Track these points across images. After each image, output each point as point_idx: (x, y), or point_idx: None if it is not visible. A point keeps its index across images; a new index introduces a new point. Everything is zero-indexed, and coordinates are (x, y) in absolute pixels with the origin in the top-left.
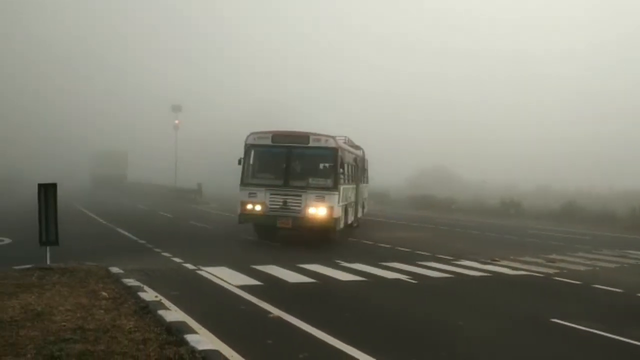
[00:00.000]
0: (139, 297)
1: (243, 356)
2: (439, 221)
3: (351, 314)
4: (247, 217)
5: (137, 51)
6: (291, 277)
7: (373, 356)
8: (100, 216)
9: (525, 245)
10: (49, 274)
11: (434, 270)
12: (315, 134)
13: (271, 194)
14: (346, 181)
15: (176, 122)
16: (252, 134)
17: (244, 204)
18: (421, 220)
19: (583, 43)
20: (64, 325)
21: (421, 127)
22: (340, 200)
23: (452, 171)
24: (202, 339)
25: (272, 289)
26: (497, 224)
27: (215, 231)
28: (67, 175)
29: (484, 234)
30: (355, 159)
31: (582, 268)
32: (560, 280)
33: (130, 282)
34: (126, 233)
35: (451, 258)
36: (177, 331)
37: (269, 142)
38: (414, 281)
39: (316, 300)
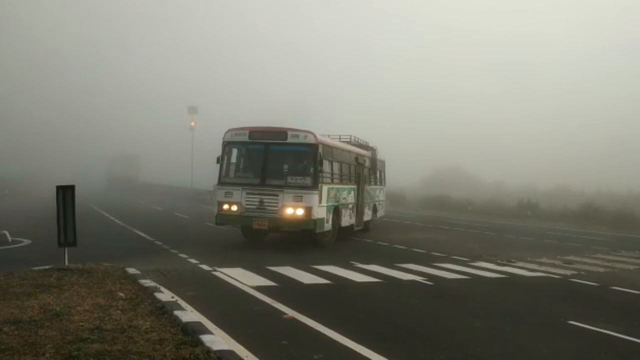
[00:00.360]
0: (155, 298)
1: (258, 357)
2: (454, 222)
3: (366, 315)
4: (223, 218)
5: (153, 54)
6: (306, 278)
7: (388, 357)
8: (116, 217)
9: (543, 247)
10: (67, 274)
11: (449, 271)
12: (293, 130)
13: (247, 194)
14: (339, 181)
15: (192, 123)
16: (229, 130)
17: (220, 204)
18: (437, 221)
19: (603, 46)
20: (82, 325)
21: (437, 127)
22: (324, 201)
23: (469, 172)
24: (218, 339)
25: (286, 290)
26: (514, 225)
27: (231, 233)
28: (84, 177)
29: (500, 235)
30: (356, 158)
31: (600, 270)
32: (578, 282)
33: (147, 282)
34: (142, 234)
35: (467, 259)
36: (192, 331)
37: (246, 138)
38: (429, 283)
39: (331, 302)
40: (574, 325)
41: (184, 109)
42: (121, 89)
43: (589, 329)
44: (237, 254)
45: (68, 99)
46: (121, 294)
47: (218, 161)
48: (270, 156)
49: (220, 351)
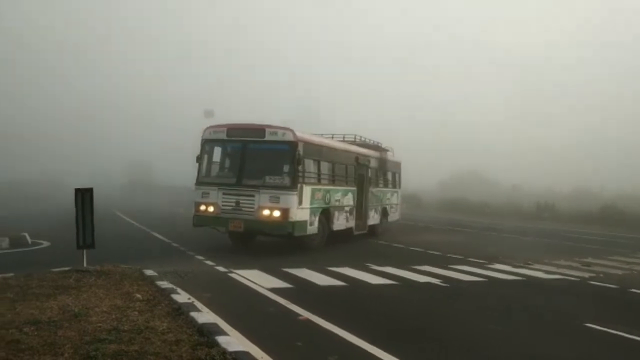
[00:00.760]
0: (172, 299)
1: (273, 358)
2: (471, 225)
3: (381, 316)
4: (200, 220)
5: (170, 58)
6: (321, 280)
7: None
8: (134, 219)
9: (560, 249)
10: (85, 276)
11: (465, 273)
12: (272, 127)
13: (223, 194)
14: (330, 181)
15: None
16: (208, 127)
17: (197, 204)
18: (453, 223)
19: (620, 41)
20: (100, 326)
21: (454, 130)
22: (306, 202)
23: (486, 175)
24: (233, 340)
25: (302, 291)
26: (532, 227)
27: None
28: (102, 180)
29: (517, 237)
30: (356, 158)
31: (618, 272)
32: (596, 284)
33: (164, 284)
34: (159, 236)
35: (484, 261)
36: (208, 332)
37: (224, 136)
38: (445, 285)
39: (346, 303)
40: (591, 328)
41: (200, 112)
42: (138, 92)
43: (606, 332)
44: (253, 256)
45: (85, 102)
46: (138, 296)
47: (197, 160)
48: (248, 155)
49: (235, 352)
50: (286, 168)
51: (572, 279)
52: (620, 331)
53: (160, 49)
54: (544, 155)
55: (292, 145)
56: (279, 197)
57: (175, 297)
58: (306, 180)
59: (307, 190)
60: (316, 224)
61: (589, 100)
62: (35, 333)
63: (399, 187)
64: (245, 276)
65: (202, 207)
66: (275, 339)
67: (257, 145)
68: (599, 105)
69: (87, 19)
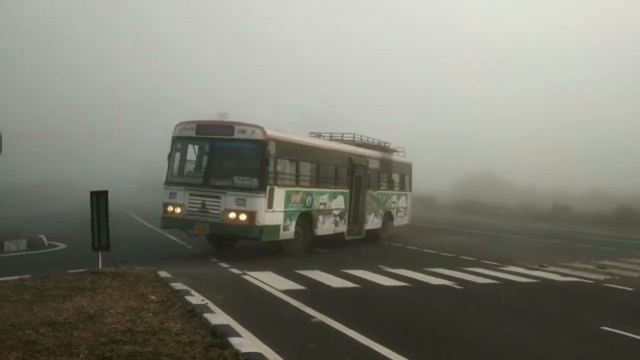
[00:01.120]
0: (186, 301)
1: (285, 359)
2: (486, 227)
3: (394, 319)
4: (168, 221)
5: (182, 59)
6: (335, 282)
7: None
8: (148, 221)
9: (575, 251)
10: (100, 277)
11: (479, 276)
12: (241, 124)
13: (190, 195)
14: (313, 183)
15: None
16: (178, 124)
17: (165, 205)
18: (467, 225)
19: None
20: (115, 327)
21: (469, 131)
22: (278, 205)
23: (500, 176)
24: (246, 342)
25: (315, 293)
26: (547, 229)
27: None
28: (115, 181)
29: (532, 239)
30: (350, 159)
31: (635, 274)
32: (612, 287)
33: (178, 286)
34: (173, 237)
35: (497, 264)
36: (221, 334)
37: (193, 133)
38: (459, 287)
39: (359, 305)
40: (606, 330)
41: (214, 114)
42: (150, 92)
43: (621, 335)
44: (266, 258)
45: (97, 102)
46: (153, 297)
47: (168, 158)
48: (216, 153)
49: (248, 353)
50: (255, 168)
51: (588, 281)
52: (636, 334)
53: (173, 47)
54: (559, 155)
55: (261, 144)
56: (245, 200)
57: (189, 298)
58: (279, 181)
59: (279, 192)
60: (292, 228)
61: (605, 98)
62: (52, 334)
63: (409, 189)
64: (259, 278)
65: (170, 208)
66: (288, 341)
67: (226, 144)
68: (616, 103)
69: (98, 18)
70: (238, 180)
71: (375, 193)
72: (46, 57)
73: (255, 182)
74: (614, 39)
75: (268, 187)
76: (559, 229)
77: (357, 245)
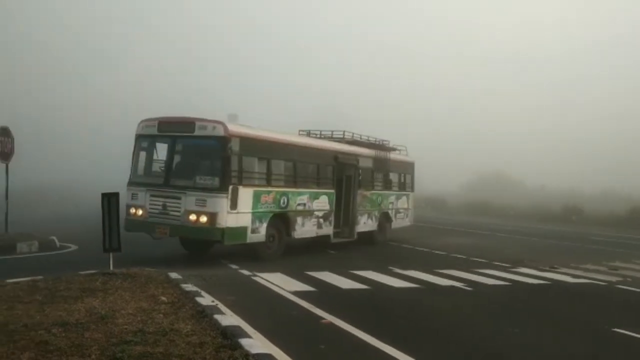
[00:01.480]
0: (196, 302)
1: None
2: (496, 228)
3: (404, 320)
4: (130, 224)
5: (193, 60)
6: (344, 283)
7: None
8: None
9: (587, 252)
10: (112, 279)
11: (490, 277)
12: (202, 120)
13: (151, 196)
14: (289, 183)
15: None
16: (142, 121)
17: (128, 207)
18: (478, 226)
19: None
20: (126, 328)
21: (479, 131)
22: (244, 206)
23: (511, 176)
24: (256, 343)
25: (325, 295)
26: (558, 230)
27: None
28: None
29: (543, 240)
30: (335, 157)
31: None
32: (624, 289)
33: (188, 287)
34: None
35: (508, 265)
36: (232, 335)
37: (155, 131)
38: (469, 288)
39: (368, 307)
40: (619, 332)
41: (223, 117)
42: (158, 92)
43: (634, 337)
44: (276, 260)
45: (113, 104)
46: (163, 298)
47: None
48: (177, 151)
49: (258, 354)
50: (216, 167)
51: (600, 283)
52: None
53: (183, 48)
54: (571, 154)
55: (222, 140)
56: (205, 200)
57: (199, 299)
58: (245, 181)
59: (245, 192)
60: (263, 231)
61: (620, 96)
62: (63, 334)
63: (411, 189)
64: (269, 279)
65: (132, 210)
66: (298, 342)
67: (187, 141)
68: (631, 101)
69: (115, 18)
70: (200, 180)
71: (368, 193)
72: (58, 58)
73: (216, 181)
74: (630, 32)
75: (231, 187)
76: (570, 230)
77: (366, 247)
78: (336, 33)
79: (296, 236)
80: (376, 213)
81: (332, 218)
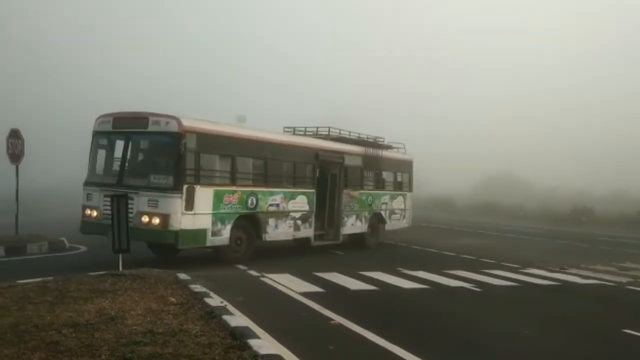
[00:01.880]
0: (205, 303)
1: None
2: (505, 229)
3: (413, 321)
4: (85, 226)
5: (200, 62)
6: (353, 284)
7: None
8: None
9: (597, 253)
10: (121, 280)
11: (499, 278)
12: (156, 115)
13: (105, 196)
14: (258, 182)
15: None
16: (98, 117)
17: (83, 208)
18: (487, 227)
19: None
20: (135, 329)
21: (488, 132)
22: (203, 207)
23: (520, 177)
24: (265, 343)
25: (333, 296)
26: (568, 231)
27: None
28: None
29: (553, 241)
30: (316, 155)
31: None
32: (634, 290)
33: (197, 288)
34: None
35: (518, 266)
36: (240, 336)
37: (110, 127)
38: (478, 289)
39: (377, 308)
40: (630, 334)
41: (232, 118)
42: (169, 96)
43: None
44: (285, 260)
45: (120, 106)
46: (172, 299)
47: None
48: (131, 149)
49: (267, 355)
50: (169, 165)
51: (610, 284)
52: None
53: (189, 49)
54: (580, 156)
55: (176, 137)
56: (157, 201)
57: (208, 300)
58: (204, 180)
59: (204, 192)
60: (227, 233)
61: (630, 96)
62: (74, 335)
63: (409, 189)
64: (277, 280)
65: (87, 212)
66: (307, 343)
67: (141, 138)
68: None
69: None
70: (154, 179)
71: (356, 193)
72: (71, 60)
73: (170, 180)
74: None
75: (186, 186)
76: (580, 231)
77: (375, 248)
78: (357, 34)
79: (268, 239)
80: (366, 214)
81: (312, 219)
